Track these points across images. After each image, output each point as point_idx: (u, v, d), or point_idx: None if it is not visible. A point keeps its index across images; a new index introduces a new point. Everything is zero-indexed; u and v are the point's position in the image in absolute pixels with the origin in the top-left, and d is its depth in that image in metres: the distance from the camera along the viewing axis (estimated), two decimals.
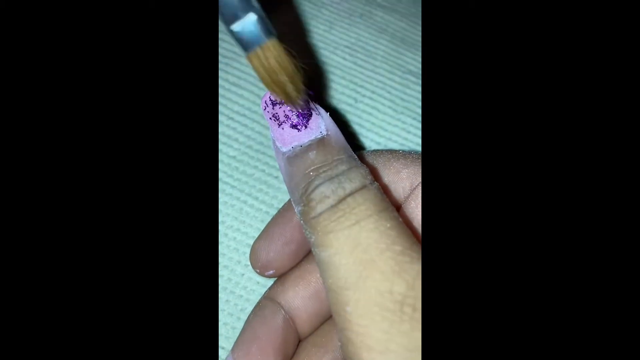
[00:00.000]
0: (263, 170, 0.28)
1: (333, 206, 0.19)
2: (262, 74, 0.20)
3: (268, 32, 0.19)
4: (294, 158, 0.21)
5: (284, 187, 0.28)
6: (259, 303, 0.24)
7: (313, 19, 0.34)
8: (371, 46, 0.32)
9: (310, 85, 0.31)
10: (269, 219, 0.26)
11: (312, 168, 0.20)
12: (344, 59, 0.32)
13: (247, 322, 0.24)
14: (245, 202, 0.28)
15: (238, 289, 0.27)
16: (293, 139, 0.21)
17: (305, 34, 0.33)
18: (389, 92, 0.31)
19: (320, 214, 0.19)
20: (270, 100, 0.21)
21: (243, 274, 0.27)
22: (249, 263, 0.27)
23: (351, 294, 0.17)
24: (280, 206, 0.27)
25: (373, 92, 0.31)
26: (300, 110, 0.21)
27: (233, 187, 0.28)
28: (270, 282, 0.26)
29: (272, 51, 0.19)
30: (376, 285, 0.17)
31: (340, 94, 0.31)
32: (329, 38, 0.33)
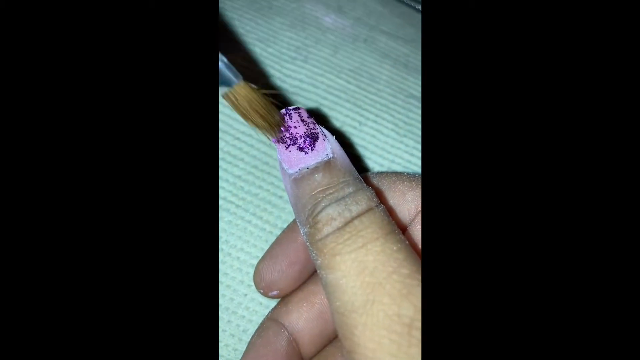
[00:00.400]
0: (268, 190, 0.29)
1: (340, 228, 0.19)
2: (238, 111, 0.22)
3: (235, 77, 0.21)
4: (300, 180, 0.21)
5: (288, 207, 0.28)
6: (262, 324, 0.24)
7: (318, 42, 0.34)
8: (375, 70, 0.33)
9: (312, 110, 0.31)
10: (273, 239, 0.27)
11: (319, 190, 0.21)
12: (348, 82, 0.33)
13: (251, 343, 0.24)
14: (249, 221, 0.28)
15: (240, 309, 0.27)
16: (300, 161, 0.21)
17: (311, 57, 0.34)
18: (392, 116, 0.31)
19: (326, 236, 0.19)
20: None
21: (246, 294, 0.27)
22: (252, 283, 0.27)
23: (359, 317, 0.17)
24: (285, 226, 0.27)
25: (377, 115, 0.31)
26: (279, 138, 0.22)
27: (238, 206, 0.28)
28: (273, 302, 0.26)
29: (241, 92, 0.21)
30: (384, 309, 0.17)
31: (344, 116, 0.31)
32: (334, 62, 0.34)
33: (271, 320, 0.24)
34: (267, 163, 0.29)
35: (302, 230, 0.21)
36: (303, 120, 0.22)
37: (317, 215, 0.20)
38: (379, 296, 0.17)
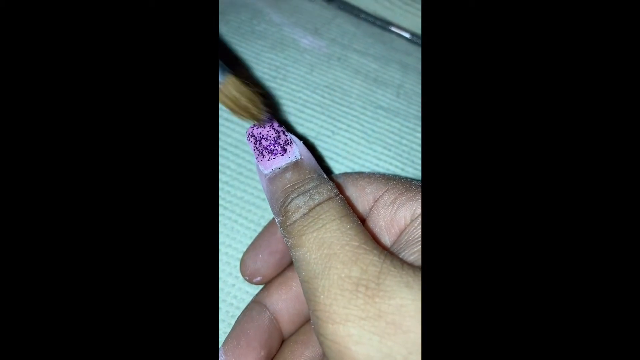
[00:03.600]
0: (252, 194, 0.35)
1: (305, 214, 0.25)
2: (228, 104, 0.27)
3: (224, 72, 0.26)
4: (273, 178, 0.27)
5: (269, 207, 0.34)
6: (247, 306, 0.30)
7: (296, 62, 0.41)
8: (347, 85, 0.39)
9: (274, 109, 0.37)
10: (256, 235, 0.32)
11: (289, 185, 0.26)
12: (323, 97, 0.39)
13: (237, 321, 0.29)
14: (235, 221, 0.34)
15: (229, 297, 0.32)
16: (273, 163, 0.27)
17: (290, 76, 0.40)
18: (362, 125, 0.37)
19: (294, 221, 0.25)
20: (253, 133, 0.28)
21: (234, 285, 0.33)
22: (239, 275, 0.32)
23: (319, 281, 0.23)
24: (266, 224, 0.33)
25: (348, 125, 0.37)
26: (264, 124, 0.28)
27: (225, 208, 0.34)
28: (257, 291, 0.32)
29: (232, 84, 0.26)
30: (338, 272, 0.22)
31: (319, 127, 0.37)
32: (310, 79, 0.40)
33: (255, 302, 0.30)
34: (250, 170, 0.35)
35: (277, 220, 0.26)
36: (274, 129, 0.28)
37: (287, 205, 0.25)
38: (334, 263, 0.23)
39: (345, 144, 0.37)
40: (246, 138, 0.28)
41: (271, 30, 0.43)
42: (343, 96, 0.39)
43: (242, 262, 0.31)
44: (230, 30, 0.43)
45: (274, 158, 0.27)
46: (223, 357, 0.28)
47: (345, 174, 0.30)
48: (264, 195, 0.35)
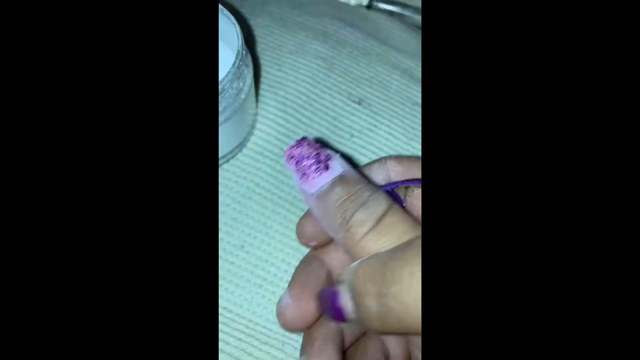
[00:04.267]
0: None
1: (373, 227, 0.24)
2: None
3: None
4: (323, 196, 0.26)
5: (262, 198, 0.38)
6: (305, 259, 0.31)
7: (340, 54, 0.44)
8: (386, 80, 0.43)
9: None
10: None
11: (342, 200, 0.26)
12: (364, 90, 0.42)
13: (297, 271, 0.30)
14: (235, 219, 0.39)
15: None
16: (319, 181, 0.27)
17: (335, 67, 0.43)
18: (401, 121, 0.41)
19: (364, 235, 0.24)
20: (292, 154, 0.28)
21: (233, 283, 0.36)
22: (238, 273, 0.36)
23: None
24: None
25: (389, 120, 0.42)
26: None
27: (227, 204, 0.38)
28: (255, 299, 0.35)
29: None
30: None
31: (362, 120, 0.42)
32: (353, 72, 0.43)
33: (312, 257, 0.31)
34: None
35: (337, 237, 0.26)
36: (312, 147, 0.28)
37: (349, 220, 0.25)
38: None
39: (387, 139, 0.41)
40: (284, 160, 0.28)
41: (312, 21, 0.46)
42: (383, 90, 0.43)
43: (300, 225, 0.31)
44: (272, 20, 0.46)
45: (319, 176, 0.27)
46: (289, 301, 0.29)
47: (365, 166, 0.31)
48: (264, 187, 0.38)
